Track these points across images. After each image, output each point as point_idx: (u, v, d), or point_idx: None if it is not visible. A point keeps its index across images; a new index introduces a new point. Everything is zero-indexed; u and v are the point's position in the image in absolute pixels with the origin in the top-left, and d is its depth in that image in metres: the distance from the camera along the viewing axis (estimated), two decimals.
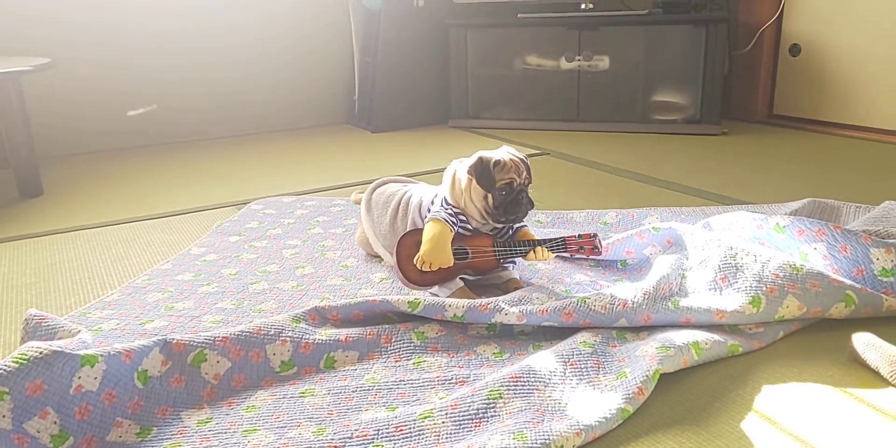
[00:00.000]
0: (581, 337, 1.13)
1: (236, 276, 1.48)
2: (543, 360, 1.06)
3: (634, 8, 2.95)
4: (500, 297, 1.23)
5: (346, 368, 1.11)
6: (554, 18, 2.93)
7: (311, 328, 1.16)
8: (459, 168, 1.35)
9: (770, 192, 2.01)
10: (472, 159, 1.31)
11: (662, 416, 0.97)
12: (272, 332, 1.12)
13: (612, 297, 1.18)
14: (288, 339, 1.12)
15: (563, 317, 1.16)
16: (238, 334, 1.10)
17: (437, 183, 1.46)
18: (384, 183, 1.57)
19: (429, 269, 1.29)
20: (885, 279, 1.26)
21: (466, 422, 0.94)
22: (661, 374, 1.03)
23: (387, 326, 1.18)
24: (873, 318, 1.21)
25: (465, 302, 1.19)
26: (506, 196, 1.29)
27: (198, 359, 1.06)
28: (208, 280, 1.46)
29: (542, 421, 0.93)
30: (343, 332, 1.16)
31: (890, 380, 1.01)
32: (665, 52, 2.88)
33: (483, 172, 1.29)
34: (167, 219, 1.92)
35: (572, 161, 2.45)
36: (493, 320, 1.17)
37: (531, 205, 1.32)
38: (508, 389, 0.99)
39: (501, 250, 1.34)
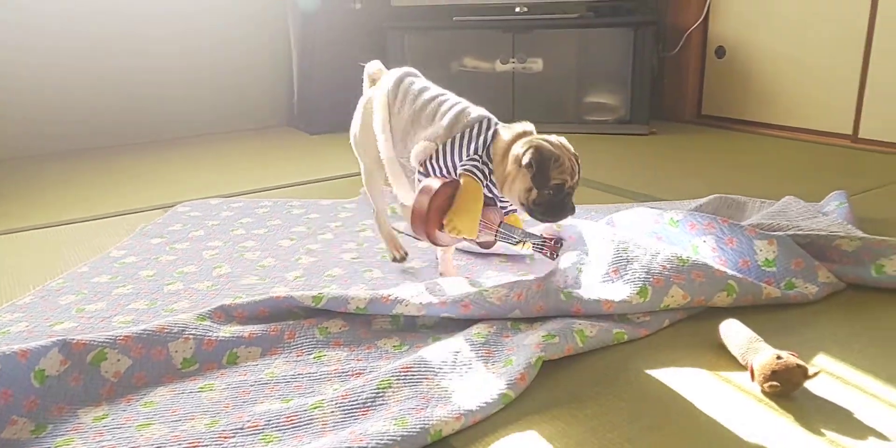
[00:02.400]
0: (476, 328, 1.18)
1: (153, 278, 1.50)
2: (436, 350, 1.10)
3: (568, 11, 3.03)
4: (403, 289, 1.27)
5: (248, 364, 1.14)
6: (489, 21, 2.99)
7: (215, 325, 1.18)
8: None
9: (691, 189, 2.09)
10: (529, 150, 1.18)
11: (543, 400, 1.02)
12: (175, 330, 1.15)
13: (508, 289, 1.23)
14: (191, 336, 1.15)
15: (461, 308, 1.21)
16: (140, 333, 1.13)
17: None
18: (412, 74, 1.42)
19: (451, 232, 1.22)
20: (767, 269, 1.34)
21: (355, 410, 0.98)
22: (548, 361, 1.09)
23: (291, 322, 1.22)
24: (760, 307, 1.28)
25: (367, 294, 1.22)
26: (552, 196, 1.19)
27: (98, 358, 1.08)
28: (124, 282, 1.48)
29: (426, 407, 0.97)
30: (247, 329, 1.19)
31: (741, 361, 1.07)
32: (596, 54, 2.96)
33: (541, 168, 1.17)
34: (95, 222, 1.92)
35: None
36: (394, 312, 1.21)
37: (573, 210, 1.22)
38: (398, 379, 1.03)
39: (503, 233, 1.28)
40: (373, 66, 1.55)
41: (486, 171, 1.23)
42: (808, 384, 1.01)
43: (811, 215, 1.66)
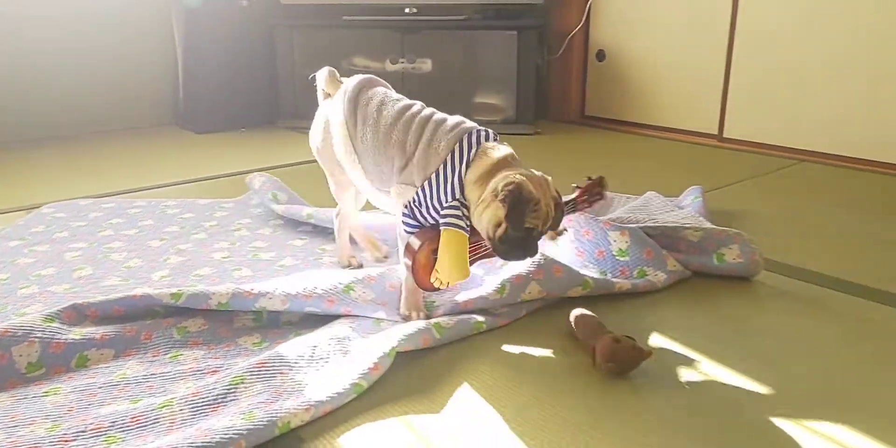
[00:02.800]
0: (338, 323, 1.19)
1: (6, 282, 1.42)
2: (294, 345, 1.11)
3: (456, 13, 3.08)
4: (268, 283, 1.26)
5: (99, 366, 1.11)
6: (378, 21, 3.01)
7: (64, 327, 1.14)
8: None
9: (569, 187, 2.17)
10: (510, 186, 1.09)
11: (396, 390, 1.04)
12: (19, 334, 1.10)
13: (376, 294, 1.25)
14: (36, 339, 1.10)
15: (325, 303, 1.21)
16: None
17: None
18: (372, 84, 1.32)
19: (446, 286, 1.19)
20: (621, 258, 1.42)
21: (204, 408, 0.97)
22: (405, 352, 1.12)
23: (149, 322, 1.19)
24: (611, 295, 1.36)
25: (230, 289, 1.21)
26: (520, 238, 1.12)
27: None
28: None
29: (277, 401, 0.98)
30: (100, 330, 1.15)
31: (583, 338, 1.15)
32: (483, 56, 3.03)
33: (516, 209, 1.09)
34: None
35: None
36: (256, 306, 1.20)
37: (535, 253, 1.15)
38: (252, 374, 1.03)
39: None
40: (325, 76, 1.39)
41: (462, 211, 1.16)
42: (645, 364, 1.08)
43: (668, 209, 1.77)
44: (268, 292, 1.21)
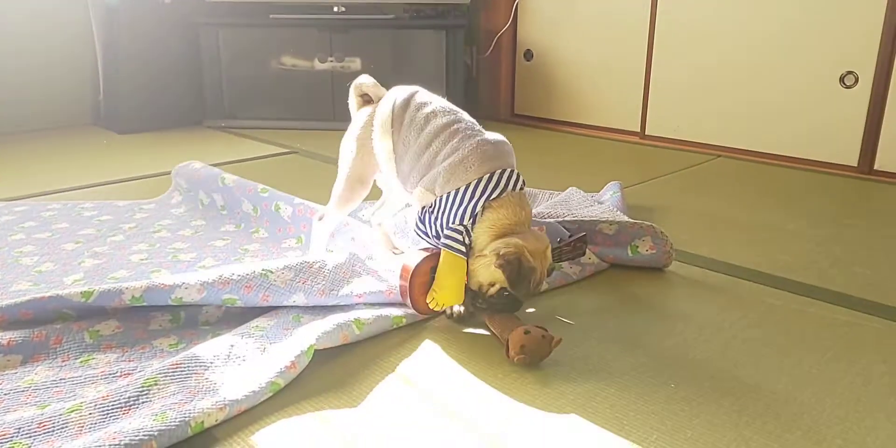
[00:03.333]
0: (256, 322, 1.19)
1: None
2: (210, 346, 1.10)
3: (384, 12, 3.09)
4: (184, 275, 1.24)
5: (6, 373, 1.07)
6: (306, 20, 2.99)
7: None
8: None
9: None
10: (511, 259, 1.12)
11: (313, 387, 1.05)
12: None
13: (294, 273, 1.24)
14: None
15: (243, 289, 1.20)
16: None
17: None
18: (423, 93, 1.32)
19: (438, 308, 1.22)
20: None
21: (115, 411, 0.96)
22: (324, 349, 1.12)
23: (58, 326, 1.16)
24: None
25: (143, 283, 1.18)
26: (503, 298, 1.17)
27: None
28: None
29: (191, 401, 0.97)
30: (7, 336, 1.12)
31: (500, 339, 1.16)
32: (412, 55, 3.05)
33: (513, 282, 1.13)
34: None
35: (318, 159, 2.52)
36: (173, 297, 1.17)
37: (517, 310, 1.20)
38: (165, 376, 1.02)
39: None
40: (369, 82, 1.37)
41: (464, 235, 1.17)
42: (555, 352, 1.12)
43: (589, 204, 1.82)
44: (183, 282, 1.18)
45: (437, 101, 1.31)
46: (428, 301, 1.21)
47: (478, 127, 1.29)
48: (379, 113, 1.31)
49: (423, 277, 1.21)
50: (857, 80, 2.34)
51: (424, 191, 1.24)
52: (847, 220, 1.89)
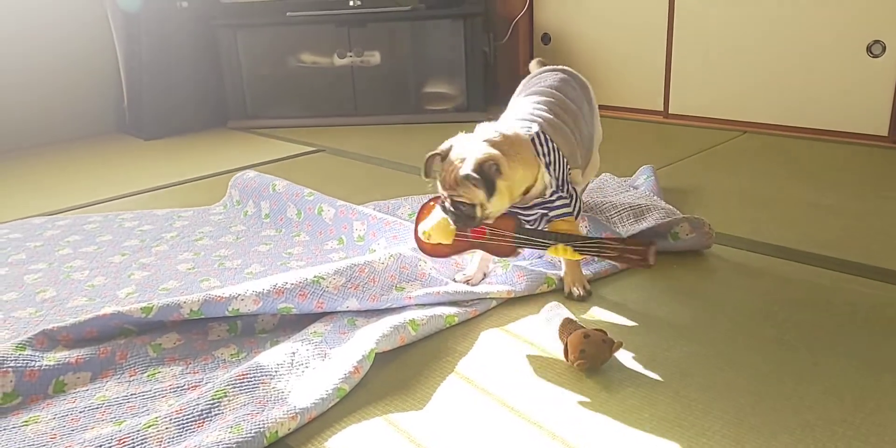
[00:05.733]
0: (313, 328, 1.21)
1: None
2: (272, 354, 1.12)
3: (400, 4, 3.08)
4: (237, 286, 1.26)
5: (77, 390, 1.11)
6: (322, 16, 2.98)
7: (37, 354, 1.13)
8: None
9: None
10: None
11: (377, 390, 1.07)
12: None
13: (346, 278, 1.26)
14: (10, 369, 1.09)
15: (297, 298, 1.22)
16: None
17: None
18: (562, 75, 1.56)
19: (428, 241, 1.29)
20: None
21: (190, 424, 0.99)
22: (382, 353, 1.14)
23: (122, 342, 1.19)
24: None
25: (200, 296, 1.21)
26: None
27: None
28: None
29: (262, 411, 0.99)
30: (74, 354, 1.15)
31: (560, 341, 1.16)
32: (431, 45, 3.04)
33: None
34: None
35: (346, 156, 2.53)
36: (230, 309, 1.20)
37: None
38: (234, 387, 1.04)
39: (521, 238, 1.27)
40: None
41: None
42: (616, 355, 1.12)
43: (623, 190, 1.82)
44: (239, 294, 1.21)
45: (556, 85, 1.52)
46: (419, 230, 1.30)
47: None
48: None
49: (428, 209, 1.32)
50: (884, 49, 2.31)
51: None
52: (885, 192, 1.87)
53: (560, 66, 1.60)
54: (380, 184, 2.16)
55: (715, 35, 2.66)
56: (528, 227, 1.29)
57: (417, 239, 1.33)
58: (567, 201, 1.29)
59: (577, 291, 1.32)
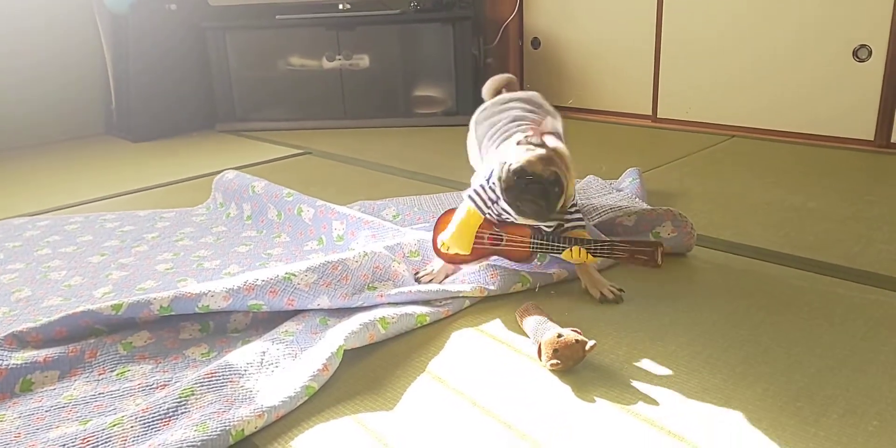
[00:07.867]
0: (284, 327, 1.20)
1: None
2: (242, 353, 1.11)
3: (390, 7, 3.08)
4: (209, 283, 1.25)
5: (45, 389, 1.09)
6: (312, 19, 2.99)
7: (4, 353, 1.12)
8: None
9: None
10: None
11: (347, 389, 1.06)
12: None
13: (318, 275, 1.25)
14: None
15: (268, 294, 1.21)
16: None
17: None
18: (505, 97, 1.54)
19: (446, 252, 1.32)
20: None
21: (156, 423, 0.97)
22: (352, 349, 1.13)
23: (92, 341, 1.18)
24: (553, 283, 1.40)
25: (170, 292, 1.20)
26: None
27: None
28: None
29: (229, 410, 0.98)
30: (42, 353, 1.14)
31: (533, 342, 1.15)
32: (420, 49, 3.04)
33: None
34: None
35: (332, 158, 2.53)
36: (200, 305, 1.19)
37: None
38: (202, 386, 1.03)
39: (537, 243, 1.30)
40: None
41: (491, 196, 1.27)
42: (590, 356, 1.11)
43: (607, 192, 1.82)
44: (209, 290, 1.20)
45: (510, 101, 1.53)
46: (438, 241, 1.33)
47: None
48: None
49: (445, 220, 1.36)
50: (870, 54, 2.31)
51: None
52: (868, 197, 1.87)
53: (521, 94, 1.59)
54: (365, 186, 2.15)
55: (703, 40, 2.67)
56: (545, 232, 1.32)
57: (437, 250, 1.36)
58: (579, 215, 1.34)
59: (609, 294, 1.31)
